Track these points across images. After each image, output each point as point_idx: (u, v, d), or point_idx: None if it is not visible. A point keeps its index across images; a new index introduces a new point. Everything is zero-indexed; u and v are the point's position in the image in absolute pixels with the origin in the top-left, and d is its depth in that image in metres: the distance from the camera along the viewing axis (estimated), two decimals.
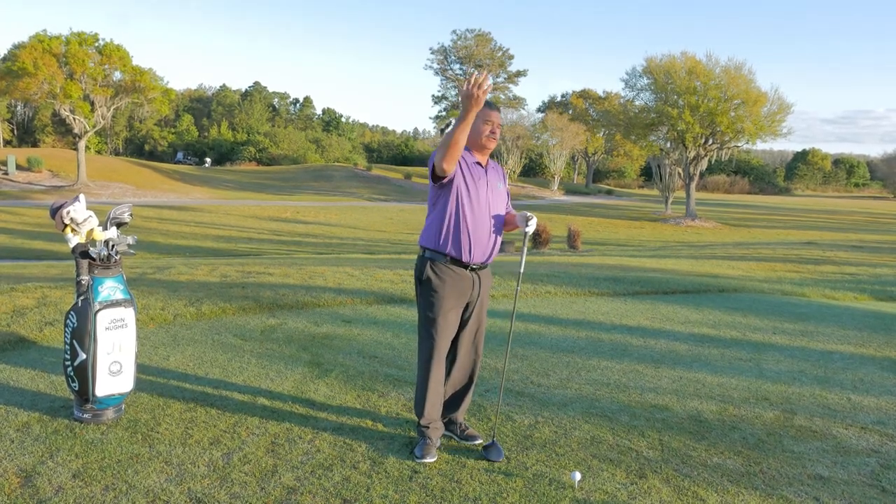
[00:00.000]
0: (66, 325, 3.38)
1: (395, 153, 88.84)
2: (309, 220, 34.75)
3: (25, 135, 72.85)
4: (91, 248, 3.33)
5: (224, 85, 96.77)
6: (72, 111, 39.17)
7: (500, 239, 3.32)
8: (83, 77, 38.57)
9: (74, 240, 3.30)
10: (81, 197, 3.35)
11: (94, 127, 40.96)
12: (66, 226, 3.28)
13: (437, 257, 3.19)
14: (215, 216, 33.35)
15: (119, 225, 3.48)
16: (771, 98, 39.28)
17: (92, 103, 40.11)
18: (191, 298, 6.43)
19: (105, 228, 3.43)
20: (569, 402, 4.07)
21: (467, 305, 3.29)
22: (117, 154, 73.66)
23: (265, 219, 34.01)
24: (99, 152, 67.24)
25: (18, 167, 42.07)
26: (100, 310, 3.31)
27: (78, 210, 3.27)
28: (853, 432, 3.77)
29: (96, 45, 39.23)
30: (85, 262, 3.32)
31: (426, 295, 3.20)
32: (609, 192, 66.77)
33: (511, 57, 72.06)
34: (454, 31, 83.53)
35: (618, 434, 3.60)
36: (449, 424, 3.45)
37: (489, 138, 3.16)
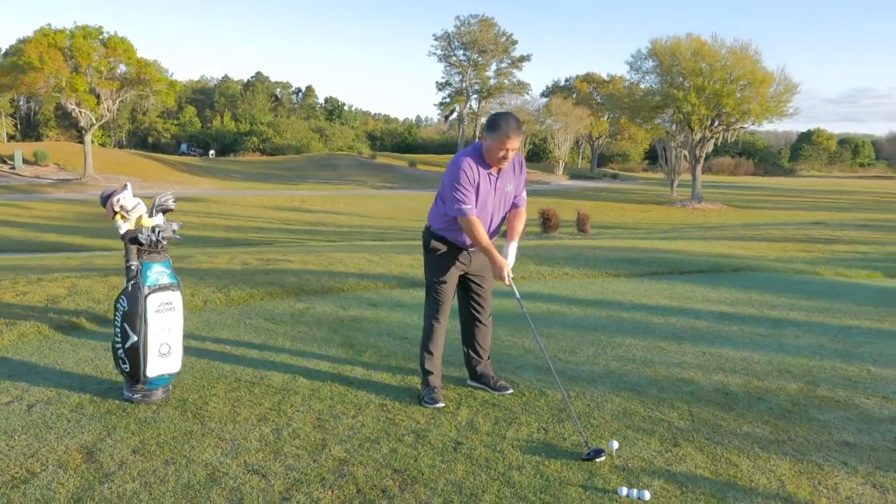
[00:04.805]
0: (116, 309, 3.51)
1: (398, 141, 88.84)
2: (317, 208, 34.87)
3: (29, 129, 73.02)
4: (139, 234, 3.45)
5: (226, 76, 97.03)
6: (78, 104, 39.27)
7: (497, 229, 3.74)
8: (88, 70, 38.64)
9: (125, 226, 3.42)
10: (128, 185, 3.47)
11: (100, 120, 41.07)
12: (116, 213, 3.39)
13: (439, 233, 3.67)
14: (223, 206, 33.50)
15: (164, 211, 3.60)
16: (777, 78, 39.07)
17: (98, 96, 40.20)
18: (218, 285, 6.56)
19: (151, 215, 3.55)
20: (598, 378, 4.20)
21: (467, 273, 3.76)
22: (121, 147, 73.77)
23: (273, 208, 34.15)
24: (103, 145, 67.33)
25: (25, 161, 42.27)
26: (149, 293, 3.44)
27: (127, 198, 3.39)
28: (875, 402, 3.88)
29: (101, 38, 39.28)
30: (134, 248, 3.45)
31: (432, 261, 3.72)
32: (615, 177, 66.62)
33: (515, 42, 71.71)
34: (457, 17, 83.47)
35: (648, 406, 3.72)
36: (481, 377, 3.87)
37: (500, 161, 3.48)
